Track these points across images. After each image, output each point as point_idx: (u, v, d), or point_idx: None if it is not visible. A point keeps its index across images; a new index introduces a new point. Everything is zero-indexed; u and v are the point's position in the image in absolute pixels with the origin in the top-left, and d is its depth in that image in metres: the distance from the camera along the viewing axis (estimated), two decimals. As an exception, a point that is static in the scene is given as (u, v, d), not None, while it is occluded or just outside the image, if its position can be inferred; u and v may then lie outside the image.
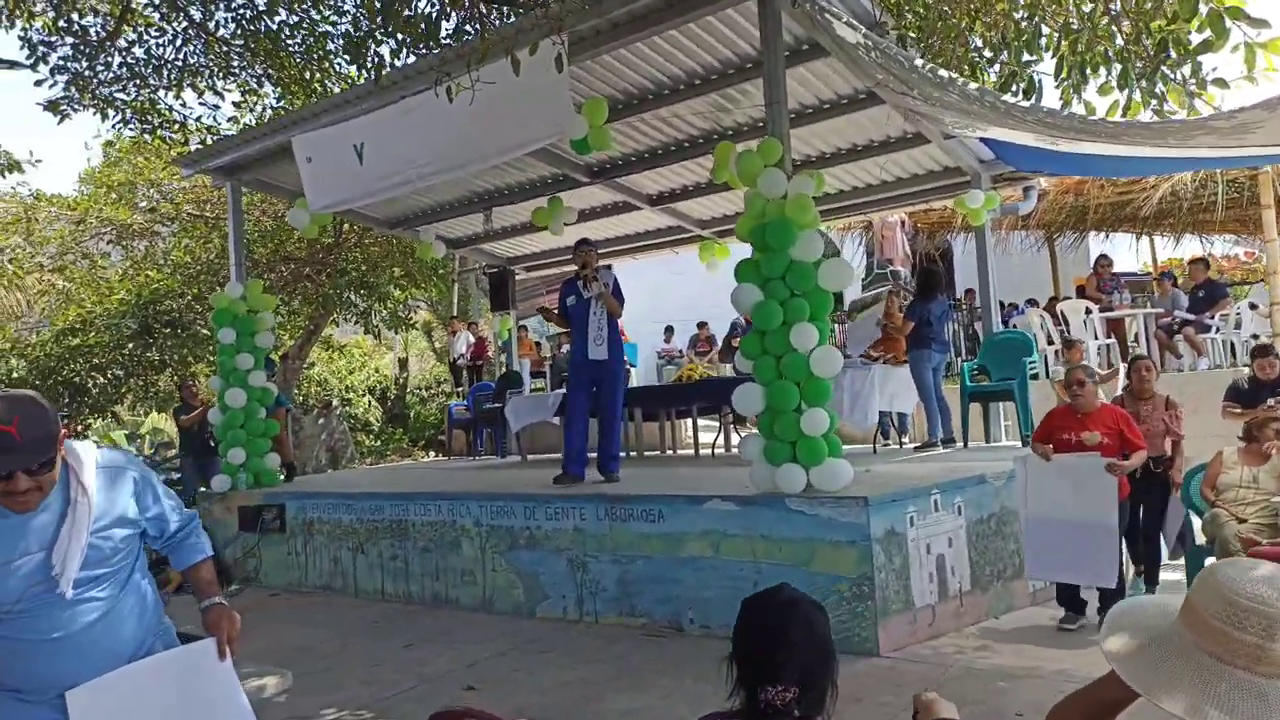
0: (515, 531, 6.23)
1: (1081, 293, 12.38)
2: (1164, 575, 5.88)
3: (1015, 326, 11.62)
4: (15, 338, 11.28)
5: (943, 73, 4.72)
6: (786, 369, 5.08)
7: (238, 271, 8.75)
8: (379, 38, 7.88)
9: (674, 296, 16.40)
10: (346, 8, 8.70)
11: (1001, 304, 13.92)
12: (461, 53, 5.41)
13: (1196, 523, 5.46)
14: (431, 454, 14.06)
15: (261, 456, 8.58)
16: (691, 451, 9.47)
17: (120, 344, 10.73)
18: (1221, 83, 3.95)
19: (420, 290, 16.32)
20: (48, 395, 10.63)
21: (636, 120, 7.60)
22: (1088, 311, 10.37)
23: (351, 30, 8.20)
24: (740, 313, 5.32)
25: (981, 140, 7.59)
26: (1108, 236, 14.27)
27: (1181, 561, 5.69)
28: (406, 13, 6.44)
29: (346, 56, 8.58)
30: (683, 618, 5.41)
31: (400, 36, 7.44)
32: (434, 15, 6.47)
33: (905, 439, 8.61)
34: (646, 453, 9.63)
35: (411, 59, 7.16)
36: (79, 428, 11.08)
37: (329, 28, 9.03)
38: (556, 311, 6.78)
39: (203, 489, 8.94)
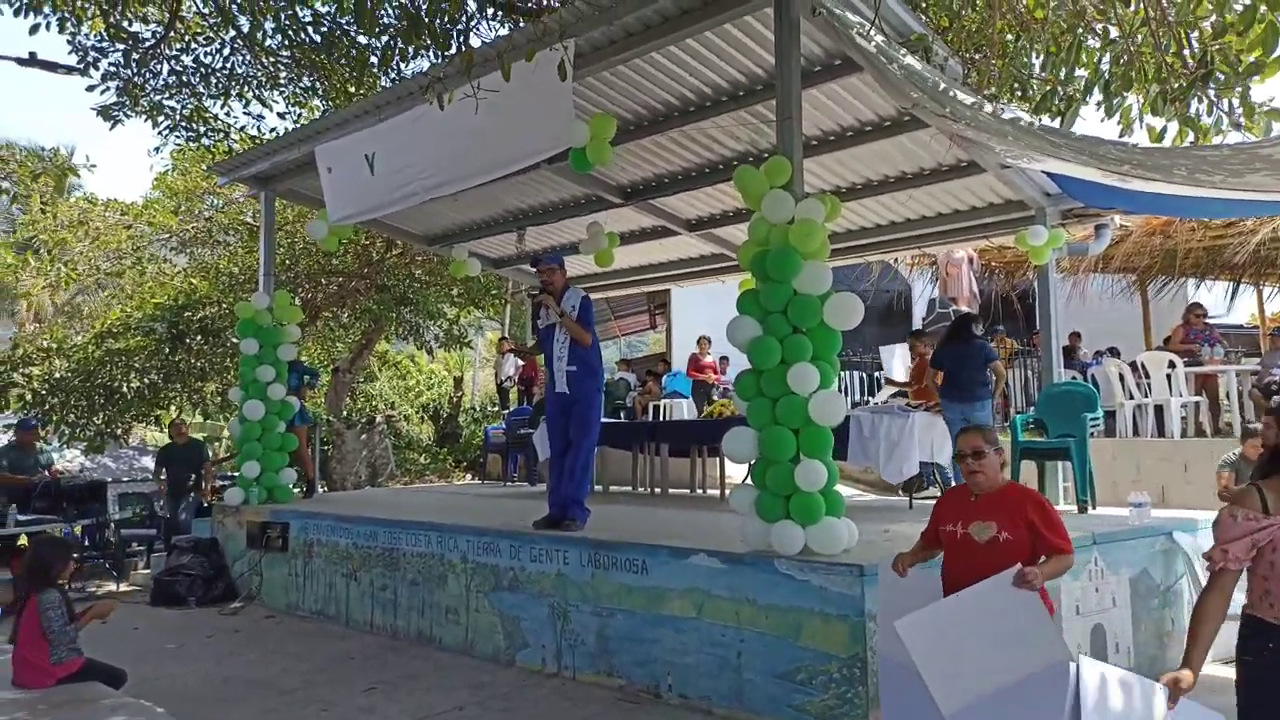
0: (500, 571, 5.81)
1: (1169, 344, 11.34)
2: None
3: (1092, 377, 10.69)
4: (63, 337, 11.55)
5: (965, 97, 4.14)
6: (783, 414, 4.54)
7: (266, 282, 8.65)
8: (406, 49, 7.74)
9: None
10: (388, 21, 8.58)
11: (1080, 352, 12.95)
12: (457, 63, 5.11)
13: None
14: (469, 477, 13.82)
15: (277, 471, 8.42)
16: (718, 492, 8.89)
17: (155, 349, 10.83)
18: (1277, 114, 3.28)
19: (478, 309, 16.24)
20: (85, 397, 10.90)
21: (664, 139, 7.19)
22: (1171, 365, 9.39)
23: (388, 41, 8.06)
24: (737, 348, 4.80)
25: (1045, 173, 6.89)
26: (1204, 284, 13.10)
27: None
28: (437, 23, 6.25)
29: (381, 67, 8.46)
30: (661, 683, 4.88)
31: (424, 46, 7.29)
32: (456, 28, 6.28)
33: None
34: (672, 490, 9.10)
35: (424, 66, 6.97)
36: (119, 431, 11.22)
37: (372, 40, 8.95)
38: (529, 340, 6.25)
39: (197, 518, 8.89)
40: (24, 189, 11.40)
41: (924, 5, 5.96)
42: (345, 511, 7.38)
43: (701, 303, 15.41)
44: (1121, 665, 5.21)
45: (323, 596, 7.18)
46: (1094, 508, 6.67)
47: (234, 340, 9.75)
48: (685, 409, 14.11)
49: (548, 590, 5.49)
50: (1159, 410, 9.48)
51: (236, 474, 8.55)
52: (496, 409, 15.22)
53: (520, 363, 14.55)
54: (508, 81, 4.72)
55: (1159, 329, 13.83)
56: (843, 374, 13.90)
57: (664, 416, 13.51)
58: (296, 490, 8.92)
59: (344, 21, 8.58)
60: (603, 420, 11.31)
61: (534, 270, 6.02)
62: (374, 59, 9.14)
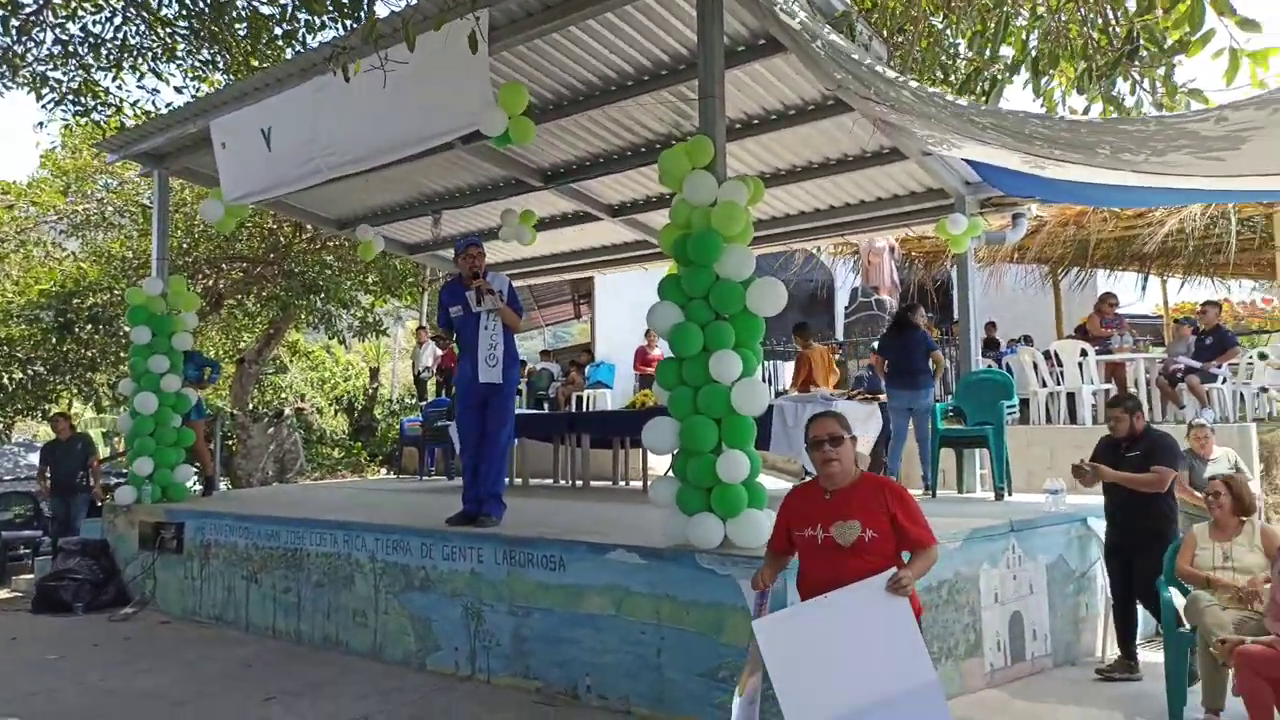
0: (410, 570, 5.52)
1: (1083, 332, 11.62)
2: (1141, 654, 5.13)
3: (1007, 366, 10.88)
4: (-62, 326, 10.72)
5: (891, 74, 4.03)
6: (704, 403, 4.37)
7: (159, 266, 8.11)
8: (312, 19, 7.31)
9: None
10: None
11: (997, 341, 13.21)
12: (361, 32, 4.78)
13: (1179, 601, 4.68)
14: (384, 471, 13.37)
15: (171, 468, 7.91)
16: (641, 484, 8.73)
17: (41, 338, 10.10)
18: (1198, 94, 3.23)
19: (395, 297, 15.74)
20: (-37, 388, 10.11)
21: (586, 120, 6.96)
22: (1084, 353, 9.59)
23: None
24: (657, 334, 4.61)
25: (965, 161, 6.90)
26: (1114, 274, 13.49)
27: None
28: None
29: (285, 38, 7.98)
30: (579, 683, 4.68)
31: (324, 13, 6.89)
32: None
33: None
34: (594, 482, 8.90)
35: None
36: (0, 426, 10.45)
37: (271, 9, 8.45)
38: (437, 329, 5.94)
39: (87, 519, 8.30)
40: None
41: (848, -15, 5.85)
42: (245, 510, 6.97)
43: (626, 291, 15.22)
44: (1039, 651, 5.24)
45: (221, 600, 6.76)
46: (1010, 495, 6.73)
47: (126, 329, 9.15)
48: (609, 400, 13.93)
49: (461, 590, 5.24)
50: (1071, 398, 9.67)
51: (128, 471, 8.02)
52: (414, 401, 14.76)
53: (439, 352, 14.13)
54: (411, 51, 4.41)
55: (1070, 318, 14.22)
56: (766, 363, 13.92)
57: (588, 407, 13.31)
58: (195, 488, 8.42)
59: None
60: (523, 411, 11.11)
61: (460, 254, 5.65)
62: (278, 29, 8.64)
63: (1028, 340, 12.31)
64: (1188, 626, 4.32)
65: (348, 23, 6.58)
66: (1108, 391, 9.63)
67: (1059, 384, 9.89)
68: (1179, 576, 4.55)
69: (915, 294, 14.07)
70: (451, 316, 5.69)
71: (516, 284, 11.44)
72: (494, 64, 5.98)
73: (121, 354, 10.63)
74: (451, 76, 5.28)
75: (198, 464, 8.76)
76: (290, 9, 7.02)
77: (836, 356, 13.54)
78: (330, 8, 5.11)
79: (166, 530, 7.29)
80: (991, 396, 6.93)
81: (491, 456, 5.70)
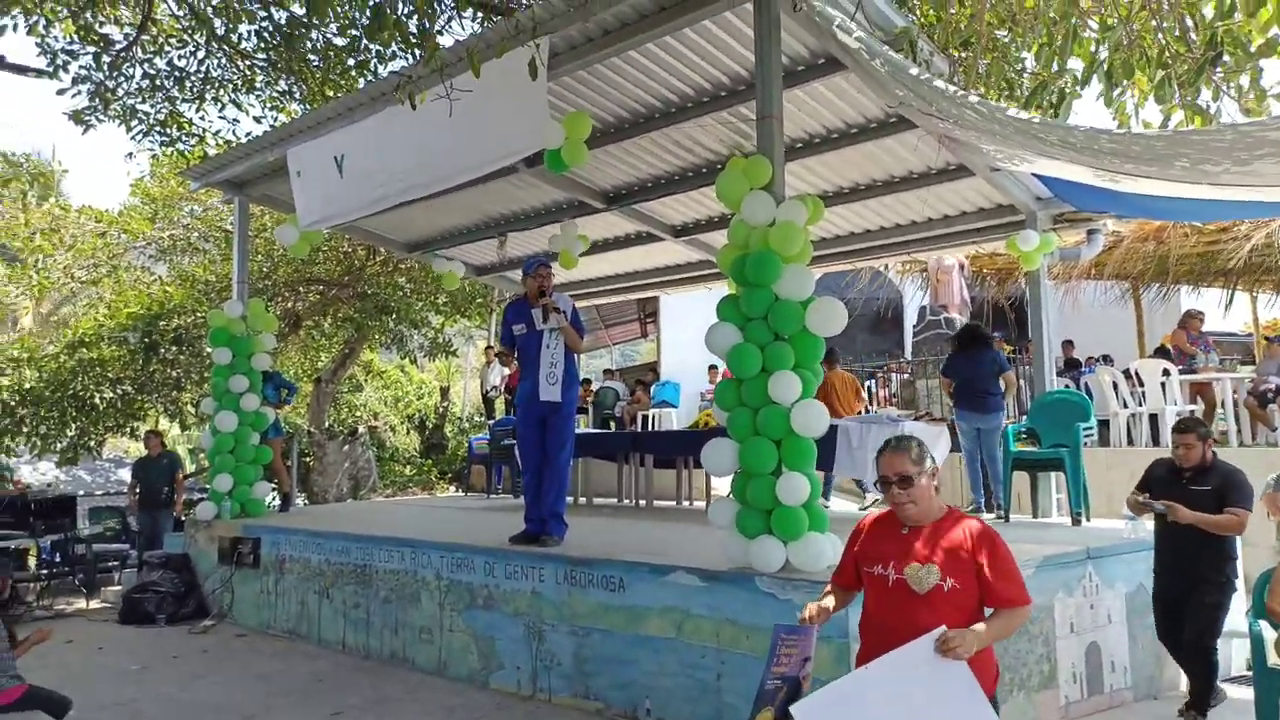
0: (474, 589, 5.59)
1: (1165, 351, 11.18)
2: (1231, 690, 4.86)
3: (1085, 386, 10.52)
4: (35, 346, 11.30)
5: (953, 90, 3.96)
6: (764, 424, 4.33)
7: (239, 289, 8.43)
8: (382, 50, 7.55)
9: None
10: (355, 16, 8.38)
11: (1076, 360, 12.79)
12: (427, 62, 4.92)
13: (1269, 635, 4.44)
14: (453, 489, 13.58)
15: (249, 484, 8.18)
16: (704, 504, 8.68)
17: (130, 359, 10.58)
18: None
19: (464, 317, 16.02)
20: (56, 408, 10.63)
21: (646, 142, 7.00)
22: (1166, 373, 9.22)
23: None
24: (716, 355, 4.61)
25: (1036, 176, 6.72)
26: (1197, 290, 12.95)
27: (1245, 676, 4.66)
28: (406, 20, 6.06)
29: (357, 68, 8.26)
30: (639, 706, 4.67)
31: (389, 43, 7.10)
32: (427, 26, 6.10)
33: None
34: (657, 502, 8.88)
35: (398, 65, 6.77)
36: (92, 443, 10.96)
37: (342, 40, 8.76)
38: (499, 346, 5.99)
39: (172, 533, 8.61)
40: (-1, 193, 11.18)
41: (909, 1, 5.80)
42: (318, 526, 7.15)
43: (693, 311, 15.22)
44: (1119, 684, 5.02)
45: (294, 614, 6.94)
46: (1088, 520, 6.48)
47: (209, 350, 9.53)
48: (674, 419, 13.91)
49: (523, 609, 5.28)
50: (1154, 419, 9.30)
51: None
52: (482, 419, 14.98)
53: (506, 371, 14.33)
54: (477, 78, 4.53)
55: (1152, 336, 13.69)
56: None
57: (653, 427, 13.31)
58: (273, 504, 8.68)
59: (312, 20, 8.38)
60: (586, 430, 11.17)
61: (530, 273, 5.77)
62: (351, 60, 8.95)
63: (1107, 359, 11.89)
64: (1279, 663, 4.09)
65: (416, 53, 6.78)
66: (1192, 412, 9.23)
67: (1140, 404, 9.53)
68: (1270, 612, 4.31)
69: (989, 312, 13.75)
70: (515, 334, 5.80)
71: (582, 304, 11.61)
72: (555, 88, 6.10)
73: (205, 374, 11.07)
74: (513, 102, 5.40)
75: (275, 481, 9.03)
76: (359, 40, 7.25)
77: (906, 375, 13.31)
78: (397, 38, 5.26)
79: (244, 545, 7.53)
80: (1067, 417, 6.70)
81: (552, 476, 5.76)
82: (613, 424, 14.61)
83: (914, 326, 13.90)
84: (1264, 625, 4.29)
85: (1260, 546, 7.29)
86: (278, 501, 9.43)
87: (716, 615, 4.39)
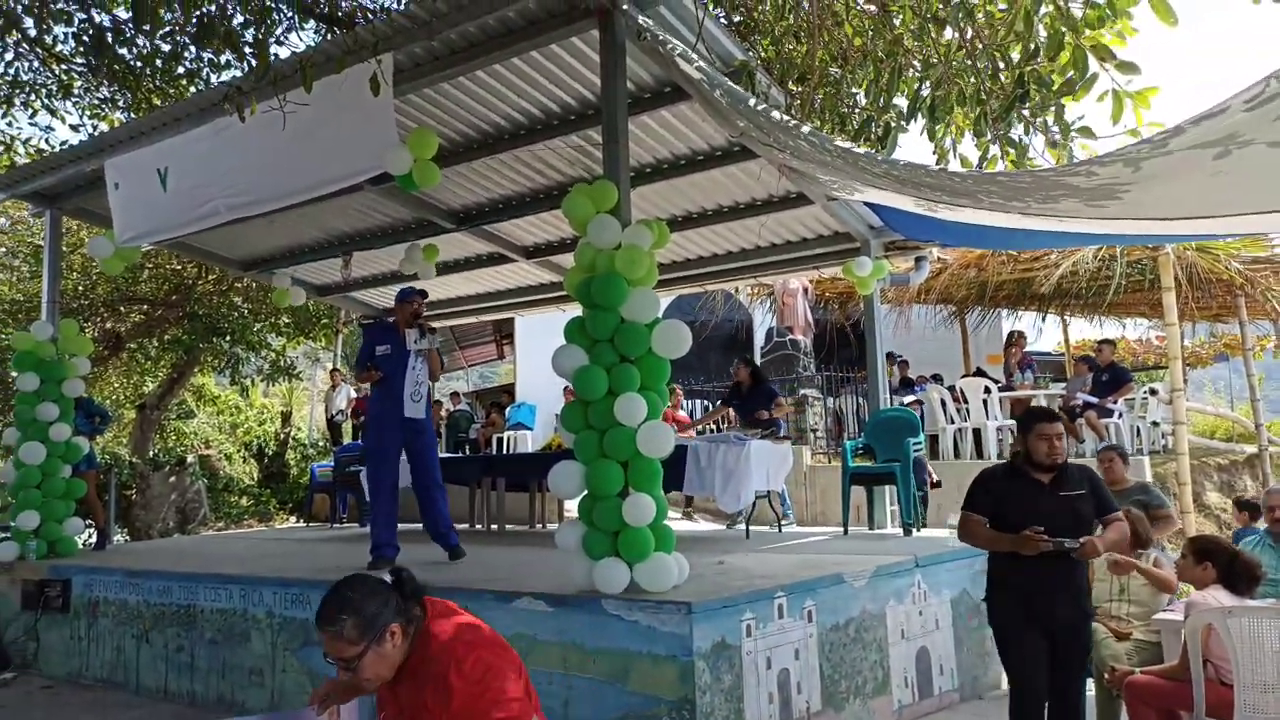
0: (310, 625, 5.29)
1: (982, 371, 12.06)
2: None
3: (920, 403, 11.17)
4: None
5: (789, 121, 4.14)
6: (610, 446, 4.34)
7: (50, 309, 7.74)
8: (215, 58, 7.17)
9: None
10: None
11: (910, 380, 13.57)
12: (268, 73, 4.70)
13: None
14: (294, 519, 12.92)
15: (60, 521, 7.49)
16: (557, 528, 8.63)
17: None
18: (1087, 131, 3.42)
19: (308, 339, 15.36)
20: None
21: (495, 163, 6.96)
22: (987, 390, 9.94)
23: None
24: (563, 377, 4.60)
25: (867, 205, 7.12)
26: (1015, 314, 14.06)
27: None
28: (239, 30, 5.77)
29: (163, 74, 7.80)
30: (485, 738, 4.53)
31: (217, 50, 6.76)
32: (254, 33, 5.83)
33: (785, 521, 7.92)
34: (510, 526, 8.76)
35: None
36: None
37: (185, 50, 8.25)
38: (366, 365, 5.92)
39: None
40: None
41: (747, 36, 6.03)
42: (136, 565, 6.62)
43: (548, 332, 15.16)
44: (947, 686, 5.31)
45: (110, 662, 6.38)
46: (919, 529, 6.85)
47: (13, 375, 8.70)
48: (529, 441, 13.79)
49: (363, 643, 5.05)
50: (976, 433, 9.98)
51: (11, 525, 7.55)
52: (327, 445, 14.36)
53: (354, 394, 13.82)
54: (308, 93, 4.37)
55: (977, 356, 14.74)
56: (686, 403, 14.00)
57: (509, 450, 13.14)
58: (87, 542, 7.98)
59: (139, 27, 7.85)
60: (443, 456, 10.90)
61: (404, 300, 6.02)
62: (181, 69, 8.44)
63: (936, 378, 12.67)
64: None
65: (252, 63, 6.47)
66: (1011, 429, 9.97)
67: (965, 420, 10.21)
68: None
69: (832, 333, 14.41)
70: (378, 355, 5.84)
71: (438, 324, 11.36)
72: (401, 105, 5.97)
73: (8, 401, 10.09)
74: (356, 119, 5.24)
75: (90, 518, 8.31)
76: (183, 47, 6.86)
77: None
78: (224, 46, 5.00)
79: (51, 588, 6.87)
80: (899, 434, 7.08)
81: (440, 492, 6.00)
82: (467, 448, 14.33)
83: (762, 348, 14.39)
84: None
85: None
86: (93, 539, 8.67)
87: (563, 639, 4.35)
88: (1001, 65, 3.68)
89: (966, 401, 10.21)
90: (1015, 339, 11.28)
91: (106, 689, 6.31)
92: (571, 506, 8.93)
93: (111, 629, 6.42)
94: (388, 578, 2.41)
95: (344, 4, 6.33)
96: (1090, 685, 4.37)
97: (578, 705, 4.24)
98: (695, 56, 4.52)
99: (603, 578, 4.27)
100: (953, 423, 10.28)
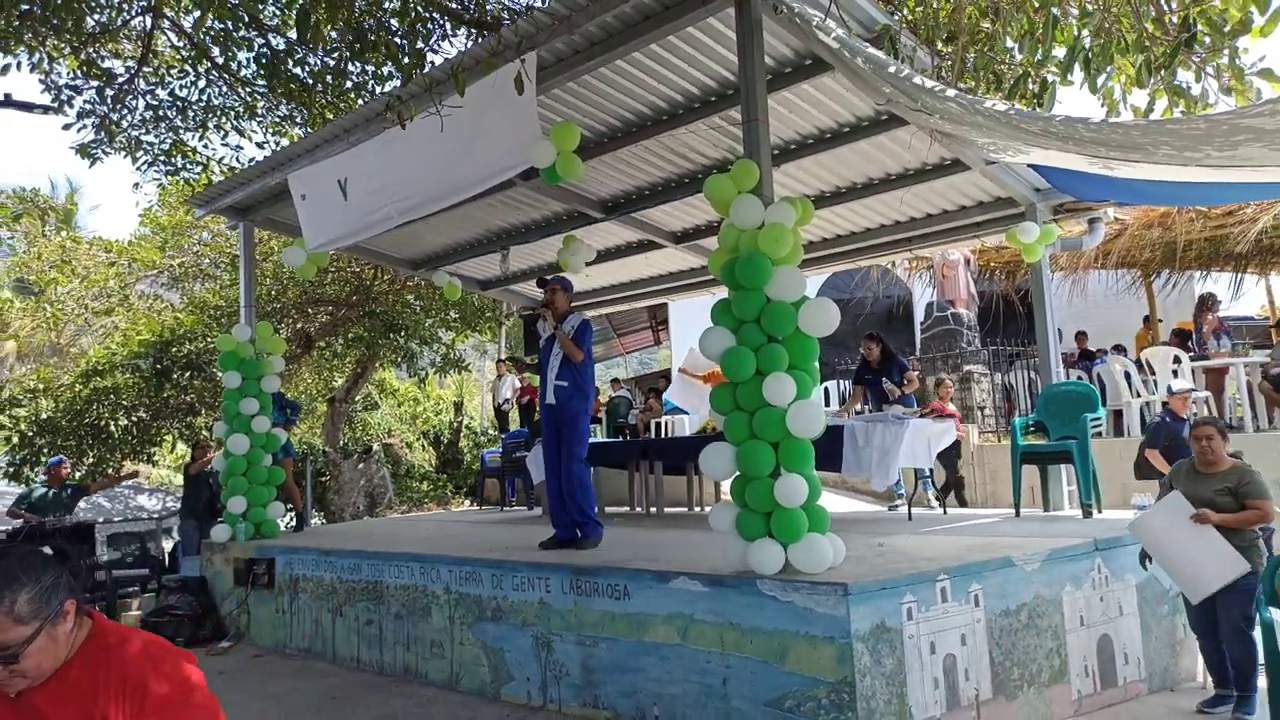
0: (483, 601, 5.61)
1: (1181, 337, 11.07)
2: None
3: (1098, 376, 10.42)
4: (50, 377, 11.46)
5: (934, 84, 3.96)
6: (760, 427, 4.33)
7: (247, 313, 8.51)
8: (378, 70, 7.62)
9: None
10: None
11: (1090, 351, 12.67)
12: (422, 80, 4.98)
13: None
14: (468, 503, 13.62)
15: (264, 506, 8.25)
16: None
17: (143, 386, 10.71)
18: (1270, 74, 3.08)
19: (475, 332, 16.10)
20: (73, 437, 10.78)
21: (640, 150, 7.03)
22: (1177, 360, 9.14)
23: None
24: (711, 360, 4.61)
25: (1032, 167, 6.70)
26: (1209, 276, 12.82)
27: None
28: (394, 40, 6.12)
29: (333, 87, 8.35)
30: (647, 713, 4.66)
31: (375, 63, 7.17)
32: (411, 41, 6.16)
33: (933, 500, 7.64)
34: (668, 509, 8.88)
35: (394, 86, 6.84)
36: (110, 469, 11.06)
37: (349, 65, 8.85)
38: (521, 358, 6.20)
39: (205, 540, 8.65)
40: (9, 228, 11.35)
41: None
42: (330, 544, 7.20)
43: (701, 316, 15.21)
44: (1132, 676, 4.97)
45: (309, 633, 6.99)
46: (1100, 511, 6.43)
47: (213, 374, 9.63)
48: (687, 425, 13.89)
49: (531, 620, 5.29)
50: (1165, 407, 9.20)
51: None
52: (496, 433, 15.03)
53: (518, 384, 14.38)
54: (462, 96, 4.58)
55: (1167, 323, 13.57)
56: (842, 384, 13.69)
57: (667, 434, 13.30)
58: (289, 524, 8.75)
59: (305, 45, 8.47)
60: (596, 440, 11.18)
61: (538, 287, 6.27)
62: (350, 84, 9.04)
63: (1119, 349, 11.79)
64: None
65: (399, 70, 6.85)
66: (1206, 399, 9.14)
67: (1153, 393, 9.44)
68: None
69: (998, 305, 13.67)
70: (540, 346, 6.23)
71: (591, 313, 11.64)
72: (547, 101, 6.15)
73: (217, 398, 11.20)
74: (504, 117, 5.44)
75: (289, 502, 9.10)
76: (347, 62, 7.33)
77: (916, 371, 13.23)
78: (385, 59, 5.33)
79: (258, 566, 7.59)
80: (1074, 409, 6.65)
81: (572, 481, 6.01)
82: (627, 433, 14.62)
83: (921, 323, 13.83)
84: (1274, 613, 4.23)
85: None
86: (293, 522, 9.49)
87: (720, 620, 4.38)
88: (1166, 8, 3.36)
89: (1154, 373, 9.43)
90: (1208, 303, 10.31)
91: (308, 658, 6.91)
92: (728, 488, 8.98)
93: (310, 603, 7.01)
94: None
95: (490, 6, 6.58)
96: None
97: (736, 683, 4.27)
98: (833, 25, 4.40)
99: (757, 558, 4.27)
100: (1139, 396, 9.53)
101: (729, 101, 6.14)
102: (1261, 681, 4.50)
